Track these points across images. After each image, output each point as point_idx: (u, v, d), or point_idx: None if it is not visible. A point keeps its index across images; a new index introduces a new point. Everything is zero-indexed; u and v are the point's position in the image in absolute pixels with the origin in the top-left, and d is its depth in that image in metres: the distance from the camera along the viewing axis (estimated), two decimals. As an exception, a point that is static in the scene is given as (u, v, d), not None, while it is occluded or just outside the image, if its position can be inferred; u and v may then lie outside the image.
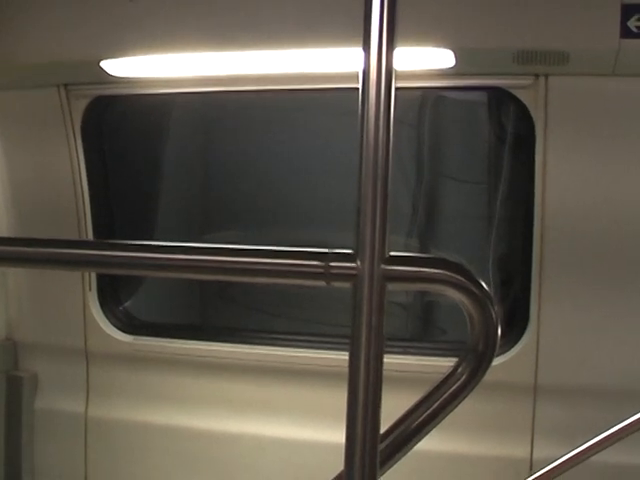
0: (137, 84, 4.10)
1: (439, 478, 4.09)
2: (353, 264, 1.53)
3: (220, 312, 5.35)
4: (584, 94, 3.62)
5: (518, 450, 3.98)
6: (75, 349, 4.64)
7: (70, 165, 4.36)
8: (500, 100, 4.10)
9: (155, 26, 3.57)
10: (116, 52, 3.72)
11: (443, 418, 1.66)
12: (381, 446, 1.59)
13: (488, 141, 4.49)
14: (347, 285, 1.55)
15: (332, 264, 1.56)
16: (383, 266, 1.51)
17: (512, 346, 3.97)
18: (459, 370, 1.64)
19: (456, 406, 1.66)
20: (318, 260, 1.58)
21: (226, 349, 4.41)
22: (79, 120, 4.29)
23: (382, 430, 1.58)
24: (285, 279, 1.78)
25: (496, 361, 1.64)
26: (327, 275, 1.58)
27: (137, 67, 3.84)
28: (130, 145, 4.84)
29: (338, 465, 1.62)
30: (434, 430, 1.69)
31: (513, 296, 4.18)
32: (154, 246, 1.89)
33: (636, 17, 3.12)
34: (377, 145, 1.51)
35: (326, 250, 1.59)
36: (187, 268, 1.77)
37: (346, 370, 1.54)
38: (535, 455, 3.95)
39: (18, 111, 4.37)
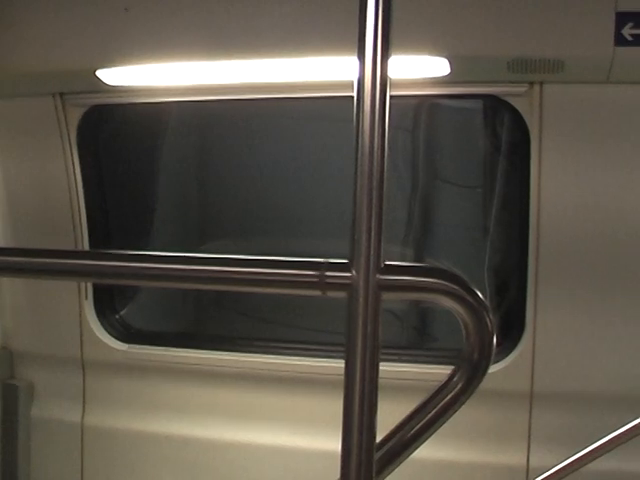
0: (133, 93, 4.11)
1: (436, 486, 4.09)
2: (348, 274, 1.53)
3: (215, 320, 5.34)
4: (579, 102, 3.63)
5: (514, 457, 3.98)
6: (71, 357, 4.64)
7: (66, 173, 4.36)
8: (495, 108, 4.11)
9: (151, 35, 3.57)
10: (112, 61, 3.72)
11: (439, 427, 1.66)
12: (377, 454, 1.59)
13: (483, 149, 4.50)
14: (342, 295, 1.55)
15: (327, 274, 1.57)
16: (378, 276, 1.51)
17: (508, 353, 3.98)
18: (455, 379, 1.64)
19: (452, 415, 1.66)
20: (313, 270, 1.59)
21: (222, 357, 4.41)
22: (75, 129, 4.30)
23: (378, 438, 1.59)
24: (280, 289, 1.78)
25: (492, 369, 1.64)
26: (322, 285, 1.58)
27: (133, 76, 3.85)
28: (126, 154, 4.84)
29: (334, 473, 1.63)
30: (430, 438, 1.69)
31: (509, 303, 4.18)
32: (150, 256, 1.89)
33: (630, 25, 3.13)
34: (372, 154, 1.51)
35: (321, 260, 1.59)
36: (182, 278, 1.77)
37: (342, 378, 1.54)
38: (531, 462, 3.95)
39: (13, 119, 4.37)
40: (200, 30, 3.51)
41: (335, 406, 1.67)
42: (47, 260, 1.84)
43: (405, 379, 3.93)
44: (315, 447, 4.14)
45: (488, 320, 1.58)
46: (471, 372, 1.63)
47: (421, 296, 1.92)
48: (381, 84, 1.52)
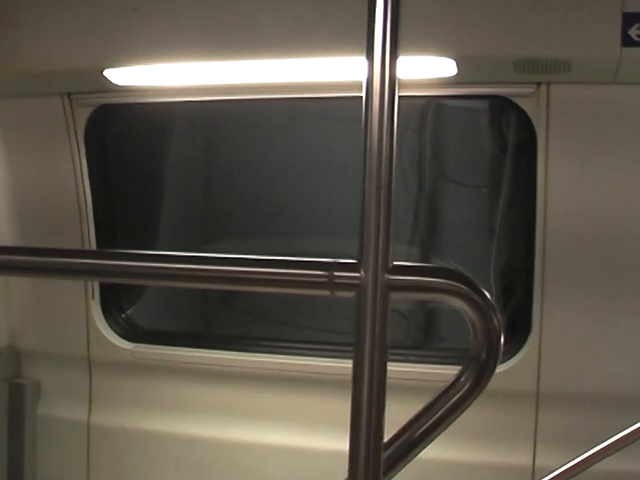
0: (140, 93, 4.11)
1: (442, 486, 4.09)
2: (357, 274, 1.53)
3: (222, 320, 5.34)
4: (585, 102, 3.63)
5: (520, 458, 3.98)
6: (78, 357, 4.65)
7: (73, 173, 4.37)
8: (502, 108, 4.10)
9: (159, 35, 3.57)
10: (119, 61, 3.72)
11: (446, 427, 1.66)
12: (384, 454, 1.59)
13: (490, 149, 4.50)
14: (351, 295, 1.55)
15: (336, 274, 1.57)
16: (387, 276, 1.51)
17: (514, 354, 3.97)
18: (462, 379, 1.64)
19: (459, 415, 1.66)
20: (322, 270, 1.59)
21: (228, 357, 4.42)
22: (82, 128, 4.31)
23: (385, 438, 1.59)
24: (289, 289, 1.78)
25: (498, 369, 1.64)
26: (331, 285, 1.58)
27: (140, 76, 3.85)
28: (133, 153, 4.85)
29: (342, 473, 1.63)
30: (437, 438, 1.69)
31: (515, 304, 4.18)
32: (157, 256, 1.89)
33: (637, 26, 3.13)
34: (381, 154, 1.51)
35: (330, 260, 1.59)
36: (190, 278, 1.77)
37: (350, 378, 1.54)
38: (537, 463, 3.95)
39: (22, 119, 4.38)
40: (208, 30, 3.51)
41: (343, 406, 1.68)
42: (54, 259, 1.84)
43: (412, 379, 3.93)
44: (323, 447, 4.14)
45: (496, 320, 1.58)
46: (478, 372, 1.63)
47: (429, 296, 1.92)
48: (390, 84, 1.52)
